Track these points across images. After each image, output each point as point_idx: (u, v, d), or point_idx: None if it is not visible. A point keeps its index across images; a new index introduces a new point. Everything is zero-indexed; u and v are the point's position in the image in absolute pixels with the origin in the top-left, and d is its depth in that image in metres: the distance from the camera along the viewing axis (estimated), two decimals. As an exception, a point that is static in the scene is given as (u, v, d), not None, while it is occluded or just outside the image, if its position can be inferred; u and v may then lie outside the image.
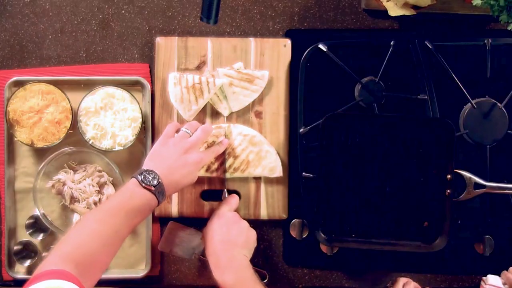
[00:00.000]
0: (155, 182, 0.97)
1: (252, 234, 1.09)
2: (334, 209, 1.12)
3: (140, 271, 1.18)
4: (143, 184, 0.97)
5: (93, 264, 0.90)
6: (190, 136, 1.07)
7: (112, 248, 0.93)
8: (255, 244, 1.09)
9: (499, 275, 1.12)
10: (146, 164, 1.02)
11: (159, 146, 1.05)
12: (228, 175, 1.15)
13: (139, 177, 0.97)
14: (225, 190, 1.16)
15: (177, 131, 1.09)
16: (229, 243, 1.04)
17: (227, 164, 1.14)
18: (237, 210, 1.14)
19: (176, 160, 1.03)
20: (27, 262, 1.17)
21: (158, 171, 0.99)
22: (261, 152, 1.14)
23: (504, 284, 1.10)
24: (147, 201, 0.97)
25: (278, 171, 1.15)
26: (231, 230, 1.06)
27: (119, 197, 0.97)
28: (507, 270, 1.12)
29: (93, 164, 1.18)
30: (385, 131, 1.11)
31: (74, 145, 1.16)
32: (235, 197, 1.13)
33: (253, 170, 1.14)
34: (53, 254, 0.88)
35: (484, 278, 1.13)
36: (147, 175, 0.98)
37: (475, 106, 1.13)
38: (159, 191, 0.98)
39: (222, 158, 1.14)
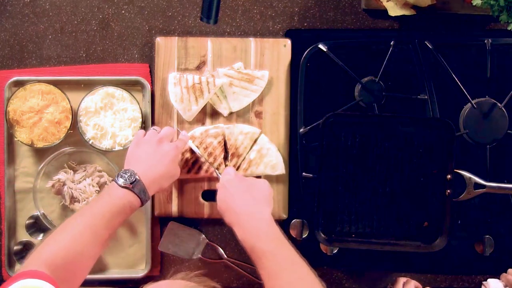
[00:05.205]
0: (132, 179, 0.97)
1: (263, 183, 1.04)
2: (334, 209, 1.12)
3: (140, 271, 1.18)
4: (121, 184, 0.97)
5: (74, 268, 0.90)
6: (159, 132, 1.08)
7: (93, 250, 0.93)
8: (271, 192, 1.04)
9: (499, 276, 1.12)
10: (124, 167, 1.03)
11: (132, 148, 1.06)
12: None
13: (116, 178, 0.98)
14: (216, 170, 1.13)
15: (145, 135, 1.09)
16: (247, 205, 0.99)
17: (231, 164, 1.14)
18: None
19: (153, 153, 1.03)
20: (27, 262, 1.17)
21: (135, 169, 0.99)
22: (262, 150, 1.14)
23: (505, 286, 1.10)
24: (127, 201, 0.97)
25: (280, 168, 1.15)
26: (243, 191, 1.01)
27: (99, 200, 0.97)
28: (506, 271, 1.12)
29: (93, 164, 1.18)
30: (385, 131, 1.11)
31: (74, 145, 1.16)
32: (230, 167, 1.11)
33: (255, 168, 1.14)
34: (32, 257, 0.88)
35: (484, 282, 1.13)
36: (123, 175, 0.98)
37: (475, 106, 1.13)
38: (139, 189, 0.98)
39: (221, 158, 1.14)
